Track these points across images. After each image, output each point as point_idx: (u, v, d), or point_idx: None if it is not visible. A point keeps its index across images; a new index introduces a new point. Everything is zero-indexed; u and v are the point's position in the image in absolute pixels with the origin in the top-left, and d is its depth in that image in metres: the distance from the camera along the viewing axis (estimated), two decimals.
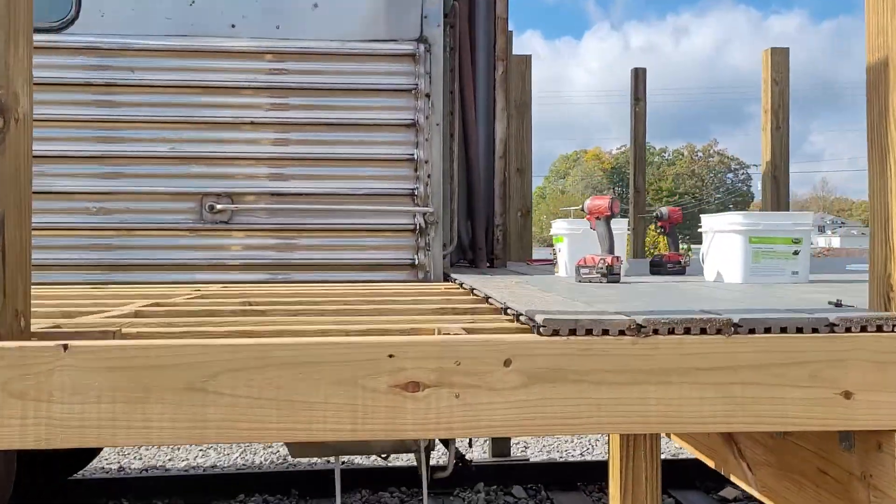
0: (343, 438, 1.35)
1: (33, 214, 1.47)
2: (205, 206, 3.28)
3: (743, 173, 71.20)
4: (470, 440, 4.96)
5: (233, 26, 3.31)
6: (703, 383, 1.42)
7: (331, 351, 1.35)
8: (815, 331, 1.44)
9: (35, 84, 1.47)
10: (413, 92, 3.37)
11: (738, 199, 68.56)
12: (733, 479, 2.09)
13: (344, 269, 3.36)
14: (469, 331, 1.59)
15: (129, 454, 5.06)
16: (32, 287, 1.45)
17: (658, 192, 66.25)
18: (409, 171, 3.38)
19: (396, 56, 3.36)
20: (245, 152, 3.33)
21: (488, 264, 4.49)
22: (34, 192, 1.49)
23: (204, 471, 4.68)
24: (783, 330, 1.43)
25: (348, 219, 3.36)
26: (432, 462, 3.36)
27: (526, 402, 1.39)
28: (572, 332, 1.40)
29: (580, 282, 2.68)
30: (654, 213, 3.39)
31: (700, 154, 73.18)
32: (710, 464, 2.26)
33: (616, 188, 65.61)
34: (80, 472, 4.41)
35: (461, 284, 2.85)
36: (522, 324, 1.60)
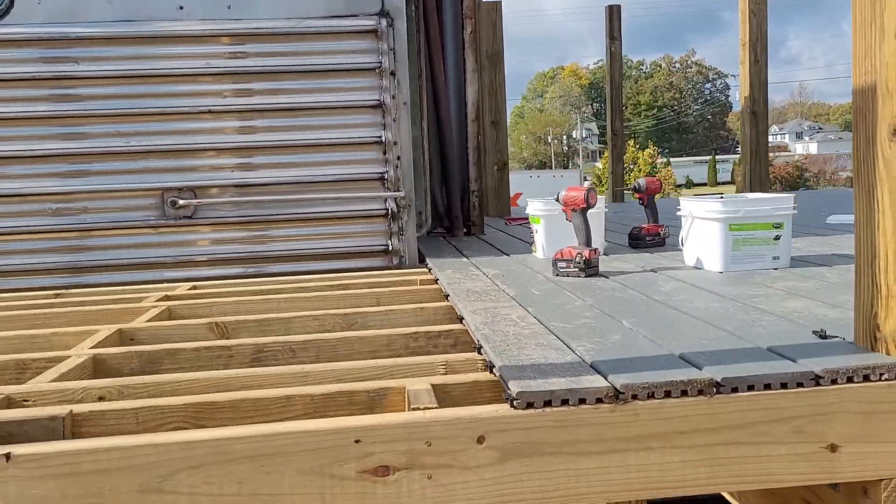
0: None
1: None
2: (166, 201, 3.15)
3: (721, 83, 70.61)
4: None
5: (181, 8, 3.11)
6: (685, 446, 1.36)
7: (293, 441, 1.28)
8: (799, 384, 1.38)
9: None
10: (377, 70, 3.20)
11: (716, 111, 68.15)
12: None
13: (316, 259, 3.26)
14: (441, 389, 1.52)
15: None
16: None
17: (636, 106, 65.69)
18: (377, 154, 3.25)
19: (357, 33, 3.18)
20: (206, 143, 3.18)
21: (465, 230, 4.41)
22: None
23: None
24: (767, 386, 1.37)
25: (317, 207, 3.24)
26: None
27: (501, 478, 1.33)
28: (547, 404, 1.33)
29: (557, 275, 2.61)
30: (633, 186, 3.30)
31: (678, 65, 72.35)
32: None
33: (594, 104, 64.92)
34: None
35: (436, 280, 2.77)
36: (496, 376, 1.53)
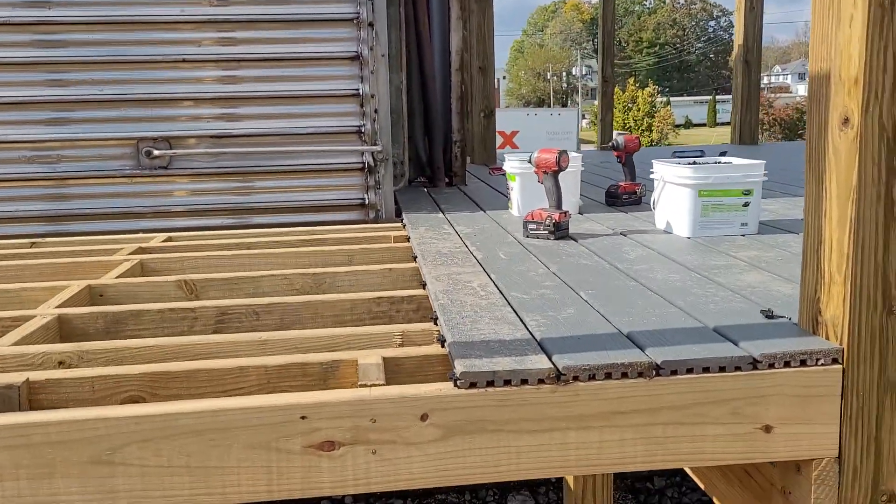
0: (259, 500, 1.34)
1: None
2: (141, 151, 3.14)
3: (725, 20, 69.24)
4: None
5: None
6: (623, 426, 1.40)
7: (241, 416, 1.31)
8: (738, 367, 1.42)
9: None
10: (355, 21, 3.15)
11: (719, 49, 67.02)
12: None
13: (293, 212, 3.27)
14: (393, 363, 1.56)
15: None
16: None
17: (638, 42, 64.55)
18: (354, 107, 3.22)
19: None
20: (181, 93, 3.15)
21: (447, 180, 4.40)
22: None
23: None
24: (706, 369, 1.41)
25: (294, 160, 3.23)
26: None
27: (444, 454, 1.37)
28: (490, 384, 1.37)
29: (528, 237, 2.62)
30: (611, 144, 3.29)
31: (682, 1, 70.82)
32: None
33: (595, 40, 63.74)
34: None
35: (408, 238, 2.78)
36: (447, 350, 1.56)
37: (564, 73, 64.14)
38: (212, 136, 3.17)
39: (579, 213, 3.15)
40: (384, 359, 1.55)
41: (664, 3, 70.33)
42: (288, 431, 1.33)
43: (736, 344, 1.47)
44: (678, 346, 1.46)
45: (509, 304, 1.82)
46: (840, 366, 1.42)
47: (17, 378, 1.46)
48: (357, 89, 3.19)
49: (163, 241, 2.95)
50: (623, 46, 65.50)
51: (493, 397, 1.37)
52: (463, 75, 4.31)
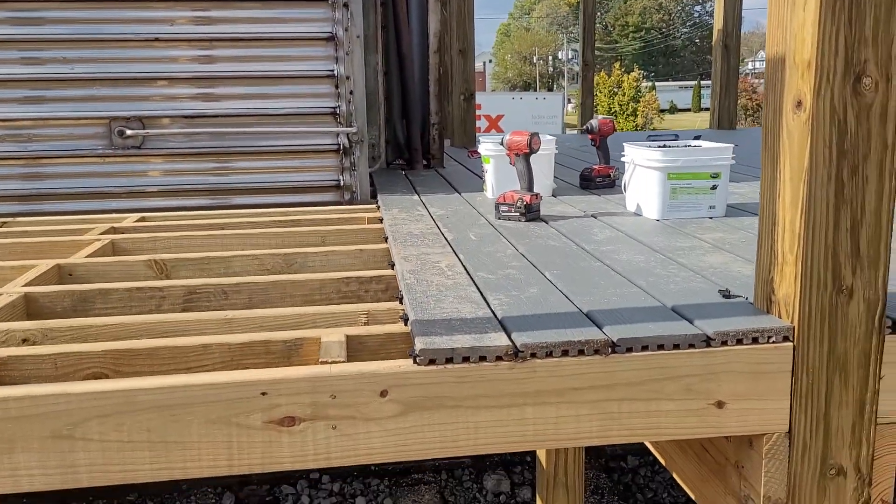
0: (220, 474, 1.36)
1: None
2: (114, 130, 3.12)
3: (711, 5, 69.17)
4: None
5: None
6: (579, 402, 1.43)
7: (201, 392, 1.33)
8: (691, 345, 1.45)
9: None
10: (329, 1, 3.14)
11: (704, 34, 67.07)
12: None
13: (269, 193, 3.27)
14: (357, 341, 1.58)
15: None
16: None
17: (624, 27, 64.47)
18: (329, 88, 3.22)
19: None
20: (155, 72, 3.13)
21: (425, 162, 4.41)
22: None
23: None
24: (660, 346, 1.44)
25: (269, 141, 3.23)
26: None
27: (403, 430, 1.40)
28: (449, 360, 1.39)
29: (499, 219, 2.65)
30: (585, 127, 3.31)
31: None
32: None
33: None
34: None
35: (381, 220, 2.80)
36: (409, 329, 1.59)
37: (551, 57, 64.01)
38: (185, 117, 3.16)
39: (553, 195, 3.18)
40: (347, 337, 1.57)
41: None
42: (248, 407, 1.35)
43: (692, 322, 1.51)
44: (635, 325, 1.49)
45: (475, 283, 1.84)
46: (791, 343, 1.46)
47: None
48: (332, 70, 3.19)
49: (135, 221, 2.95)
50: (609, 30, 65.43)
51: (452, 374, 1.39)
52: (442, 57, 4.31)
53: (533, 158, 2.93)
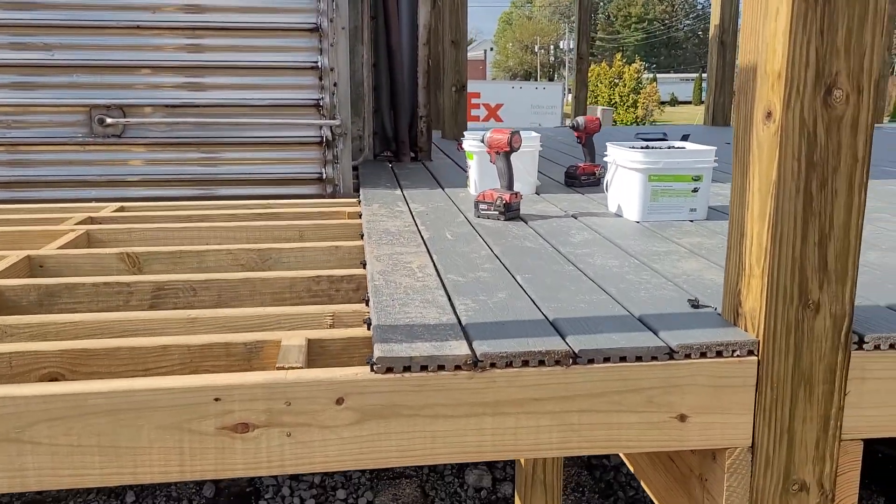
0: (171, 480, 1.34)
1: None
2: (94, 118, 3.09)
3: None
4: None
5: None
6: (539, 413, 1.42)
7: (153, 397, 1.31)
8: (654, 357, 1.43)
9: None
10: None
11: (707, 26, 66.73)
12: None
13: (252, 184, 3.24)
14: (318, 344, 1.55)
15: None
16: None
17: (627, 18, 64.19)
18: (313, 79, 3.18)
19: None
20: (136, 60, 3.10)
21: (413, 155, 4.38)
22: None
23: None
24: (623, 358, 1.42)
25: (252, 132, 3.19)
26: None
27: (360, 438, 1.38)
28: (407, 369, 1.37)
29: (479, 217, 2.62)
30: (571, 124, 3.27)
31: None
32: None
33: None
34: None
35: (360, 215, 2.77)
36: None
37: (552, 47, 63.76)
38: (167, 106, 3.12)
39: (536, 193, 3.15)
40: (309, 340, 1.55)
41: None
42: (201, 413, 1.33)
43: (657, 334, 1.48)
44: (598, 335, 1.47)
45: (444, 286, 1.82)
46: (756, 357, 1.44)
47: None
48: (315, 62, 3.15)
49: (114, 211, 2.92)
50: (612, 21, 65.15)
51: (410, 382, 1.37)
52: (430, 49, 4.26)
53: (517, 155, 2.90)
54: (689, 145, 2.68)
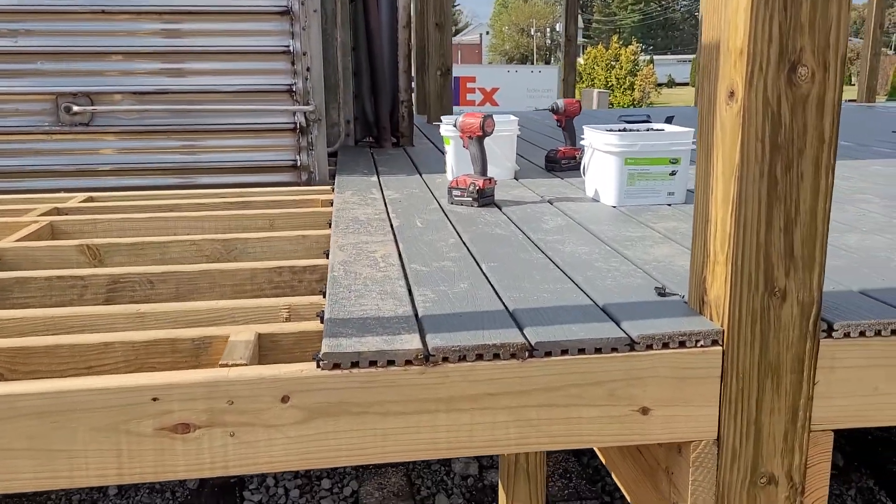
0: (109, 483, 1.29)
1: None
2: (61, 107, 3.01)
3: None
4: None
5: None
6: (495, 408, 1.36)
7: (86, 398, 1.25)
8: (614, 349, 1.37)
9: None
10: None
11: None
12: None
13: (224, 172, 3.18)
14: (269, 339, 1.50)
15: None
16: None
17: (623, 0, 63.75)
18: (285, 64, 3.11)
19: None
20: (104, 46, 3.02)
21: (394, 140, 4.31)
22: None
23: None
24: (581, 350, 1.36)
25: (224, 119, 3.12)
26: None
27: (307, 437, 1.32)
28: (355, 365, 1.31)
29: (452, 204, 2.56)
30: (550, 107, 3.21)
31: None
32: None
33: None
34: None
35: (330, 203, 2.71)
36: None
37: (548, 30, 63.38)
38: (134, 93, 3.05)
39: (515, 178, 3.09)
40: (259, 335, 1.49)
41: None
42: (138, 413, 1.27)
43: (619, 324, 1.43)
44: (557, 326, 1.41)
45: (406, 276, 1.76)
46: (720, 347, 1.38)
47: None
48: (287, 46, 3.08)
49: (82, 202, 2.85)
50: (608, 2, 64.73)
51: (358, 379, 1.32)
52: (411, 32, 4.18)
53: (494, 139, 2.84)
54: (668, 127, 2.61)
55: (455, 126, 2.61)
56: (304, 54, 3.08)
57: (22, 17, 2.94)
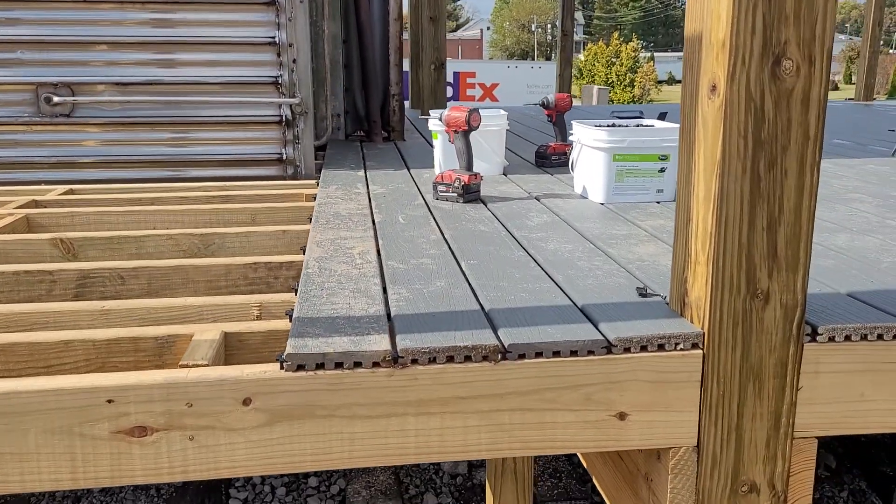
0: (63, 488, 1.24)
1: None
2: (41, 97, 2.96)
3: None
4: None
5: None
6: (466, 412, 1.31)
7: (38, 399, 1.20)
8: (591, 352, 1.32)
9: None
10: None
11: None
12: None
13: (205, 165, 3.12)
14: (236, 338, 1.45)
15: None
16: None
17: None
18: (271, 56, 3.05)
19: None
20: (85, 36, 2.96)
21: (385, 134, 4.26)
22: None
23: None
24: (556, 353, 1.31)
25: (210, 111, 3.07)
26: None
27: (270, 441, 1.28)
28: (321, 366, 1.26)
29: (437, 199, 2.51)
30: (541, 102, 3.15)
31: None
32: None
33: None
34: None
35: (314, 198, 2.65)
36: None
37: (549, 26, 63.22)
38: (118, 84, 2.99)
39: (503, 173, 3.04)
40: (226, 334, 1.45)
41: None
42: (93, 416, 1.22)
43: (596, 326, 1.38)
44: (533, 328, 1.36)
45: (382, 274, 1.71)
46: (700, 351, 1.33)
47: None
48: (273, 37, 3.02)
49: (61, 194, 2.80)
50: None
51: (324, 381, 1.27)
52: (402, 25, 4.12)
53: (482, 134, 2.79)
54: (658, 123, 2.56)
55: (440, 119, 2.56)
56: (291, 46, 3.03)
57: (4, 6, 2.88)
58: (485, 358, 1.30)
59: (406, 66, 5.09)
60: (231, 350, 1.45)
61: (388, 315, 1.45)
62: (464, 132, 2.47)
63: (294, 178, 3.17)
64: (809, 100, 1.24)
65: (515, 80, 23.66)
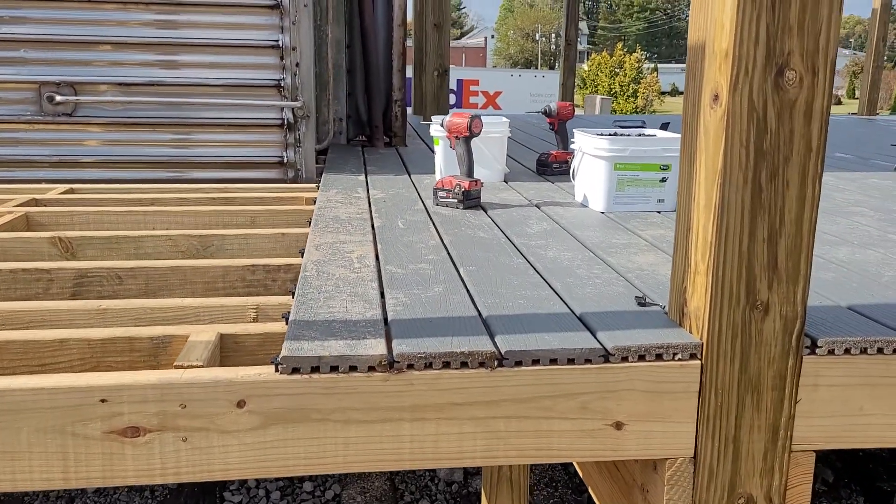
0: (55, 488, 1.23)
1: None
2: (43, 96, 2.96)
3: None
4: None
5: None
6: (462, 419, 1.30)
7: (31, 398, 1.19)
8: (588, 360, 1.31)
9: None
10: None
11: None
12: None
13: (206, 167, 3.12)
14: (232, 340, 1.44)
15: None
16: None
17: (629, 6, 63.76)
18: (274, 59, 3.05)
19: None
20: (90, 36, 2.96)
21: (387, 140, 4.25)
22: None
23: None
24: (553, 361, 1.30)
25: (211, 113, 3.07)
26: None
27: (264, 444, 1.27)
28: (316, 370, 1.26)
29: (437, 205, 2.50)
30: (543, 109, 3.15)
31: None
32: None
33: (586, 1, 62.78)
34: None
35: (314, 201, 2.65)
36: None
37: (553, 35, 63.34)
38: (120, 84, 2.99)
39: (504, 180, 3.03)
40: (222, 335, 1.44)
41: None
42: (85, 415, 1.21)
43: (594, 334, 1.37)
44: (530, 335, 1.35)
45: (380, 278, 1.70)
46: (699, 361, 1.33)
47: None
48: (276, 40, 3.02)
49: (62, 193, 2.80)
50: (613, 10, 64.73)
51: (319, 384, 1.26)
52: (406, 31, 4.13)
53: (483, 141, 2.79)
54: (660, 133, 2.56)
55: (442, 125, 2.56)
56: (294, 49, 3.03)
57: (9, 4, 2.89)
58: (481, 364, 1.29)
59: (409, 72, 5.10)
60: (227, 352, 1.44)
61: (385, 319, 1.44)
62: (465, 138, 2.46)
63: (295, 181, 3.17)
64: (812, 111, 1.24)
65: (518, 89, 23.69)
